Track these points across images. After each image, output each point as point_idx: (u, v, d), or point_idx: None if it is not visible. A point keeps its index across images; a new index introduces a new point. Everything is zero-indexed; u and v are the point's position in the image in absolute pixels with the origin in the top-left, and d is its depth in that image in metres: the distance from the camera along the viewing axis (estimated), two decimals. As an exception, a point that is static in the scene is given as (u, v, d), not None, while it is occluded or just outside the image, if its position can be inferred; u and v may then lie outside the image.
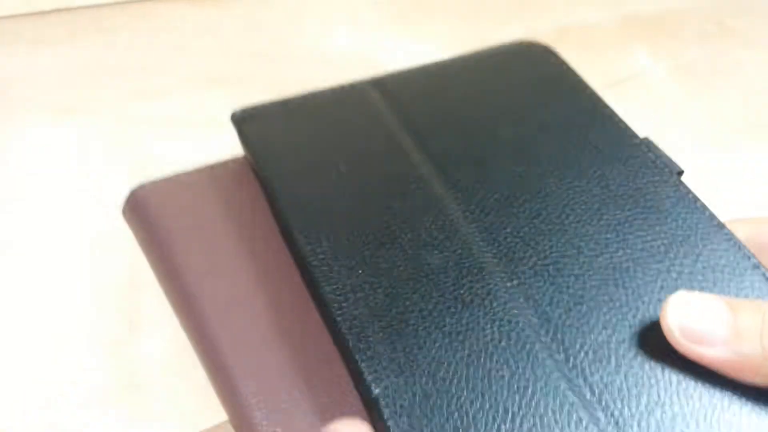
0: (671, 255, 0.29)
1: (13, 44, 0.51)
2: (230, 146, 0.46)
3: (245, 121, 0.35)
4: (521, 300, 0.28)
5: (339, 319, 0.27)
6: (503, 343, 0.27)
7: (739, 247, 0.29)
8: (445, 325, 0.27)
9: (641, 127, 0.49)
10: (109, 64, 0.51)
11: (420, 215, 0.31)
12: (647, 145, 0.34)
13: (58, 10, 0.54)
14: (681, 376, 0.26)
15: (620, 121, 0.35)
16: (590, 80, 0.52)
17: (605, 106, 0.36)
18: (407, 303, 0.28)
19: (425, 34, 0.55)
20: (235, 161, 0.35)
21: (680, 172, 0.33)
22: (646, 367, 0.26)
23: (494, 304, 0.28)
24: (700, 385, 0.26)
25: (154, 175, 0.43)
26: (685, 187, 0.32)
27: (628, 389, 0.26)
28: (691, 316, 0.25)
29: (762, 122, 0.50)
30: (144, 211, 0.33)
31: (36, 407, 0.34)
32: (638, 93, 0.52)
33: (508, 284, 0.29)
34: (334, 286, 0.28)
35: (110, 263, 0.39)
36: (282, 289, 0.30)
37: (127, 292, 0.38)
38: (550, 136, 0.34)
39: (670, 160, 0.33)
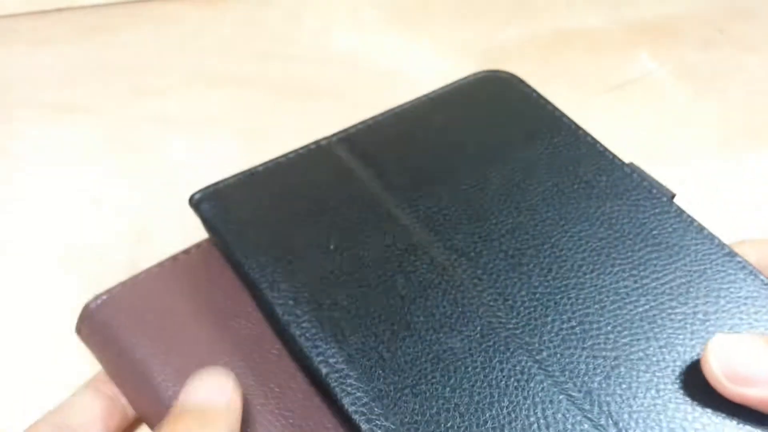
0: (693, 295, 0.28)
1: (13, 43, 0.51)
2: (232, 146, 0.46)
3: (208, 203, 0.31)
4: (557, 374, 0.26)
5: None
6: (552, 430, 0.25)
7: (755, 275, 0.29)
8: (487, 421, 0.25)
9: (644, 130, 0.49)
10: (109, 63, 0.51)
11: (428, 292, 0.28)
12: (636, 171, 0.33)
13: (59, 10, 0.54)
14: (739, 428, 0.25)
15: (605, 149, 0.34)
16: (592, 83, 0.52)
17: (586, 134, 0.34)
18: (441, 402, 0.25)
19: (425, 34, 0.55)
20: (197, 249, 0.32)
21: (673, 196, 0.32)
22: (699, 426, 0.25)
23: (531, 384, 0.26)
24: None
25: (153, 175, 0.44)
26: (687, 215, 0.31)
27: None
28: (733, 359, 0.25)
29: (764, 124, 0.50)
30: (104, 328, 0.30)
31: (36, 407, 0.34)
32: (640, 96, 0.51)
33: (539, 357, 0.27)
34: (356, 396, 0.25)
35: (110, 262, 0.39)
36: (285, 395, 0.27)
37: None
38: (539, 177, 0.32)
39: (661, 185, 0.32)
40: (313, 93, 0.50)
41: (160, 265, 0.32)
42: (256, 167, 0.33)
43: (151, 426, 0.30)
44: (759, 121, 0.50)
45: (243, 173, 0.33)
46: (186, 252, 0.32)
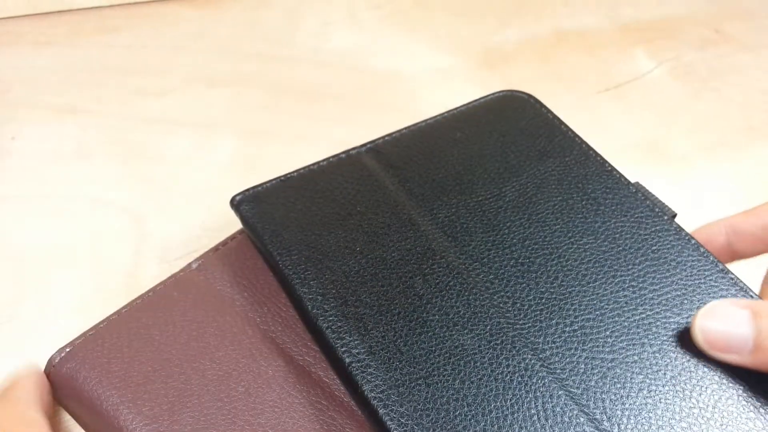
0: (686, 306, 0.30)
1: (14, 44, 0.52)
2: (232, 147, 0.46)
3: (247, 204, 0.34)
4: (558, 371, 0.28)
5: (386, 419, 0.27)
6: (551, 421, 0.27)
7: (746, 291, 0.31)
8: (492, 411, 0.27)
9: (641, 129, 0.49)
10: (109, 64, 0.51)
11: (444, 293, 0.31)
12: (641, 191, 0.35)
13: (60, 11, 0.54)
14: (719, 431, 0.27)
15: (612, 168, 0.36)
16: (589, 82, 0.52)
17: (596, 155, 0.37)
18: (451, 392, 0.28)
19: (424, 35, 0.56)
20: (153, 294, 0.33)
21: (674, 215, 0.34)
22: (686, 425, 0.27)
23: (534, 380, 0.28)
24: None
25: (153, 176, 0.44)
26: (686, 233, 0.33)
27: None
28: (712, 332, 0.28)
29: (761, 123, 0.50)
30: (69, 381, 0.31)
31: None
32: (638, 95, 0.52)
33: (542, 356, 0.29)
34: (375, 383, 0.28)
35: (109, 263, 0.39)
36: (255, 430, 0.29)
37: (128, 289, 0.38)
38: (550, 192, 0.35)
39: (663, 204, 0.34)
40: (312, 93, 0.50)
41: (119, 312, 0.33)
42: (290, 173, 0.36)
43: None
44: (756, 120, 0.50)
45: (278, 178, 0.36)
46: (141, 298, 0.33)
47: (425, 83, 0.52)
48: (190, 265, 0.34)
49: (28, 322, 0.37)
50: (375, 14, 0.57)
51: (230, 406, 0.29)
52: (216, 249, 0.35)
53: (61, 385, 0.31)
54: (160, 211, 0.42)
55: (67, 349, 0.31)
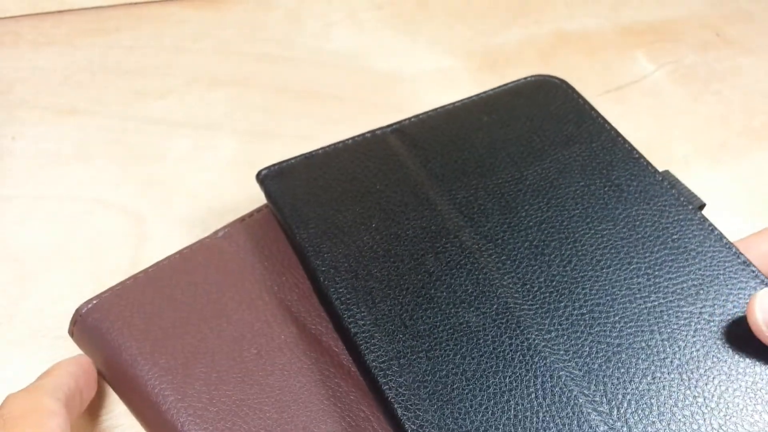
0: (702, 296, 0.30)
1: (14, 45, 0.52)
2: (233, 147, 0.46)
3: (271, 179, 0.35)
4: (562, 352, 0.28)
5: (385, 388, 0.28)
6: (548, 400, 0.27)
7: (766, 284, 0.30)
8: (489, 387, 0.28)
9: (641, 132, 0.49)
10: (110, 64, 0.51)
11: (454, 272, 0.31)
12: (668, 179, 0.34)
13: (60, 12, 0.54)
14: (722, 421, 0.27)
15: (640, 156, 0.35)
16: (590, 85, 0.52)
17: (624, 142, 0.36)
18: (450, 366, 0.28)
19: (425, 36, 0.56)
20: (178, 256, 0.34)
21: (702, 206, 0.33)
22: (688, 413, 0.27)
23: (536, 359, 0.28)
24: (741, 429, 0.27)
25: (154, 176, 0.44)
26: (710, 224, 0.32)
27: None
28: None
29: (762, 126, 0.50)
30: (93, 331, 0.32)
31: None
32: (638, 97, 0.52)
33: (547, 336, 0.29)
34: (377, 354, 0.29)
35: (109, 263, 0.39)
36: (264, 390, 0.30)
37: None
38: (573, 177, 0.35)
39: (691, 194, 0.34)
40: (313, 94, 0.50)
41: (145, 271, 0.34)
42: (315, 150, 0.37)
43: (143, 423, 0.31)
44: (756, 123, 0.50)
45: (303, 155, 0.36)
46: (168, 259, 0.34)
47: (426, 84, 0.52)
48: (216, 232, 0.36)
49: (28, 322, 0.37)
50: (376, 15, 0.57)
51: (242, 365, 0.31)
52: (242, 219, 0.36)
53: (86, 334, 0.32)
54: (160, 211, 0.42)
55: (94, 302, 0.33)
